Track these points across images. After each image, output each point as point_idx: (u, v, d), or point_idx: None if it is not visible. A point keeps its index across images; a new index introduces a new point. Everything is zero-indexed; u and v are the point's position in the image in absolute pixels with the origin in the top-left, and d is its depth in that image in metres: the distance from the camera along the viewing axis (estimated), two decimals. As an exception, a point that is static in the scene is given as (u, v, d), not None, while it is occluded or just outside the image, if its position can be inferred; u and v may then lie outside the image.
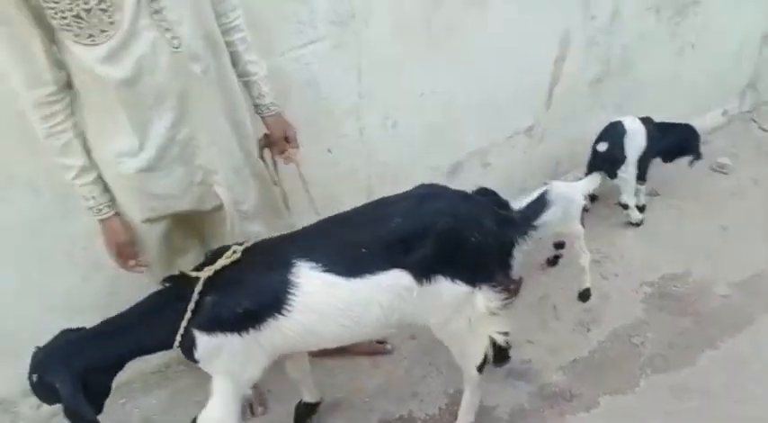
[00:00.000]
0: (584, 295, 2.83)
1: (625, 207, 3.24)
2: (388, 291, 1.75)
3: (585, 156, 3.23)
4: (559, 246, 2.98)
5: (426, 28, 2.55)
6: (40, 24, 1.58)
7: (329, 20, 2.30)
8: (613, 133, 3.12)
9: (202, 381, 1.91)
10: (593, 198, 3.38)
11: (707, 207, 3.47)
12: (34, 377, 1.78)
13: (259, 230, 2.07)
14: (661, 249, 3.15)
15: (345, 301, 1.75)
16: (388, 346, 2.61)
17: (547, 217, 2.62)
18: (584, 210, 2.85)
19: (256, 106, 2.01)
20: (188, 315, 1.74)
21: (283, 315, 1.73)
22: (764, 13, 3.96)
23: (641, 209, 3.35)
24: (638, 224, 3.30)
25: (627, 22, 3.22)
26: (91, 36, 1.59)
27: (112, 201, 1.85)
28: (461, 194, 1.95)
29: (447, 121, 2.82)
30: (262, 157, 2.09)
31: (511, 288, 2.03)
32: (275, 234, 1.95)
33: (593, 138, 3.14)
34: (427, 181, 2.84)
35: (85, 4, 1.54)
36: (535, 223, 1.93)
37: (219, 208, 1.99)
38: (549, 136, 3.27)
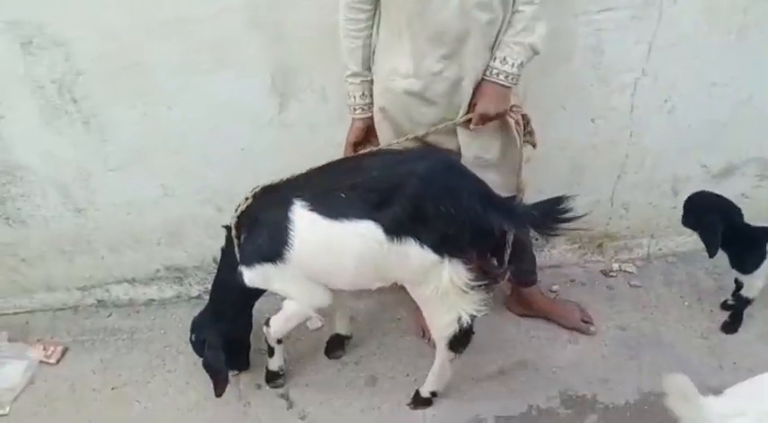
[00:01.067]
0: None
1: None
2: (361, 240, 1.83)
3: None
4: None
5: (741, 16, 2.32)
6: None
7: (637, -11, 2.22)
8: None
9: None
10: None
11: None
12: (192, 336, 2.35)
13: (494, 179, 2.11)
14: None
15: (325, 240, 1.88)
16: (592, 328, 2.58)
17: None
18: None
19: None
20: (239, 258, 2.05)
21: (290, 247, 1.92)
22: None
23: None
24: None
25: None
26: None
27: (368, 106, 2.10)
28: (451, 164, 1.90)
29: (734, 118, 2.57)
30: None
31: (492, 273, 1.91)
32: (510, 186, 2.11)
33: None
34: (690, 176, 2.71)
35: None
36: (552, 224, 1.82)
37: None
38: None
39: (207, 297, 2.82)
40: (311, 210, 1.88)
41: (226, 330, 2.28)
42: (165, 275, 2.92)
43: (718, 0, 2.29)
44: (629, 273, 2.87)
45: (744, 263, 2.43)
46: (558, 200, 1.83)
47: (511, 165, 2.14)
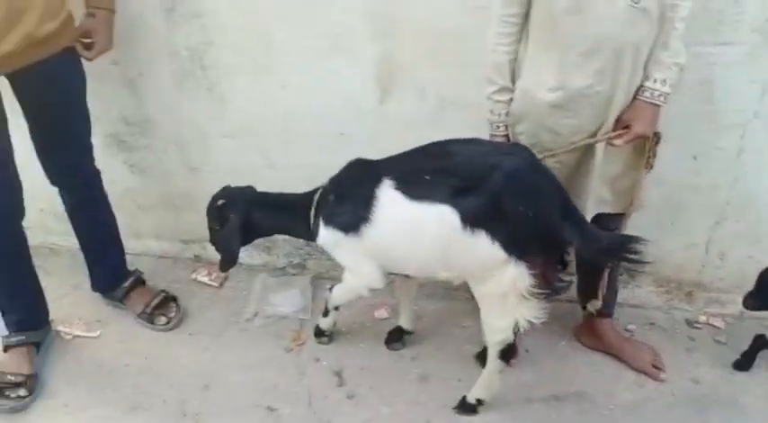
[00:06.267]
0: None
1: None
2: (437, 224, 1.83)
3: None
4: None
5: None
6: None
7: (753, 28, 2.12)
8: None
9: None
10: None
11: None
12: (220, 202, 2.36)
13: (605, 195, 2.15)
14: None
15: (403, 220, 1.90)
16: (663, 375, 2.45)
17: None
18: None
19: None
20: (312, 212, 2.15)
21: (369, 223, 1.96)
22: None
23: None
24: None
25: None
26: None
27: (508, 123, 2.11)
28: (537, 166, 1.88)
29: None
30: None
31: (554, 284, 1.86)
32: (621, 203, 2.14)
33: None
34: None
35: None
36: (612, 259, 1.90)
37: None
38: None
39: (291, 270, 2.97)
40: (396, 188, 1.91)
41: (254, 220, 2.31)
42: (256, 243, 3.07)
43: None
44: (715, 327, 2.69)
45: None
46: (630, 239, 1.82)
47: (628, 182, 2.13)
